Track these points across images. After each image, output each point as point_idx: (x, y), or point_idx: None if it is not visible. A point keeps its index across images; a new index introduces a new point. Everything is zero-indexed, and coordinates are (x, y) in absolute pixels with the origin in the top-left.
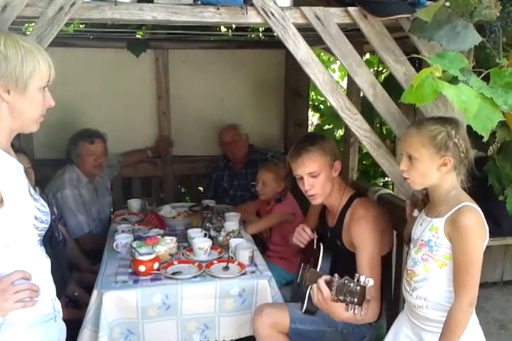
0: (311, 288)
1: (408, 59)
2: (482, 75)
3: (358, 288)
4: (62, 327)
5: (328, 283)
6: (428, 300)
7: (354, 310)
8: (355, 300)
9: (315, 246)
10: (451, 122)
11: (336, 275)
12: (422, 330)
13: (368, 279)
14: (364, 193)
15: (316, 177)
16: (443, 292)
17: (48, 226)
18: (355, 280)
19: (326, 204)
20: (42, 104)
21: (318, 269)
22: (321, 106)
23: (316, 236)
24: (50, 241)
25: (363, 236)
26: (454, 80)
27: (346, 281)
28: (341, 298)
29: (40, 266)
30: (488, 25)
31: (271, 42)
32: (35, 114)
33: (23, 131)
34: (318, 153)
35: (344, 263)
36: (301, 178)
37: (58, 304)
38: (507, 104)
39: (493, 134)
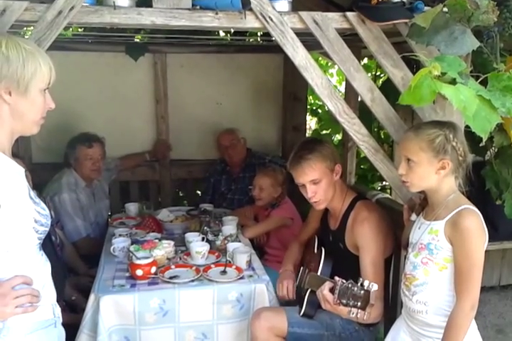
0: (310, 291)
1: (406, 64)
2: (480, 80)
3: (362, 292)
4: (62, 333)
5: (331, 287)
6: (428, 305)
7: (357, 314)
8: (359, 304)
9: (316, 250)
10: (449, 126)
11: (337, 278)
12: (421, 336)
13: (371, 284)
14: (365, 196)
15: (317, 183)
16: (443, 296)
17: (47, 229)
18: (359, 284)
19: (328, 207)
20: (43, 106)
21: (319, 273)
22: (319, 110)
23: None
24: (47, 245)
25: (367, 237)
26: (452, 83)
27: (350, 285)
28: (344, 301)
29: (41, 271)
30: (486, 31)
31: (269, 46)
32: (36, 116)
33: (24, 133)
34: (317, 160)
35: (346, 266)
36: (303, 186)
37: (58, 309)
38: (505, 106)
39: (490, 139)
